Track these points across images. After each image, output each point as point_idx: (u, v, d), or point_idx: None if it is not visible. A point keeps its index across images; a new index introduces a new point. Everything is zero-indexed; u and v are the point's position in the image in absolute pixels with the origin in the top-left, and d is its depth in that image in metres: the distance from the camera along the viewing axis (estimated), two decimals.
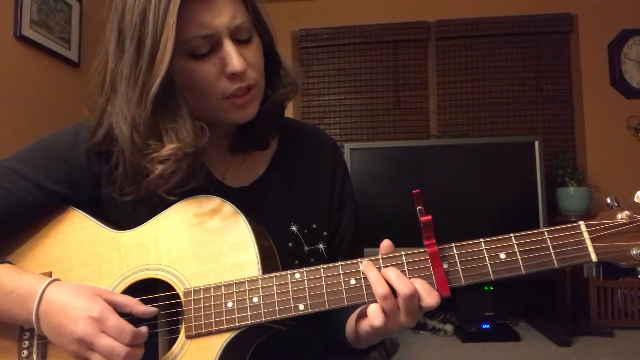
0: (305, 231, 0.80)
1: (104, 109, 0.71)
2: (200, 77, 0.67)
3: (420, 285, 0.60)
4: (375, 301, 0.61)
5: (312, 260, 0.79)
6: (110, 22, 0.68)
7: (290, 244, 0.78)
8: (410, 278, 0.60)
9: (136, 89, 0.65)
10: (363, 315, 0.68)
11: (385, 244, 0.64)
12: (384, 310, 0.60)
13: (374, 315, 0.60)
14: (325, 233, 0.82)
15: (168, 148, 0.65)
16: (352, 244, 0.86)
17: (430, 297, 0.59)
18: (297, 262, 0.77)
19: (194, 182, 0.69)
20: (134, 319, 0.62)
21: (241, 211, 0.68)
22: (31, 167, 0.72)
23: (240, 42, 0.68)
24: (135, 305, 0.64)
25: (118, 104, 0.67)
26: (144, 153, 0.67)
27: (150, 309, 0.64)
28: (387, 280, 0.60)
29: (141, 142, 0.66)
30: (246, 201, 0.72)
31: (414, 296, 0.59)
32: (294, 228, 0.79)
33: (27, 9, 2.06)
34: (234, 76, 0.67)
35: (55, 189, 0.72)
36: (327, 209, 0.84)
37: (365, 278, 0.62)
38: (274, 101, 0.77)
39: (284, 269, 0.66)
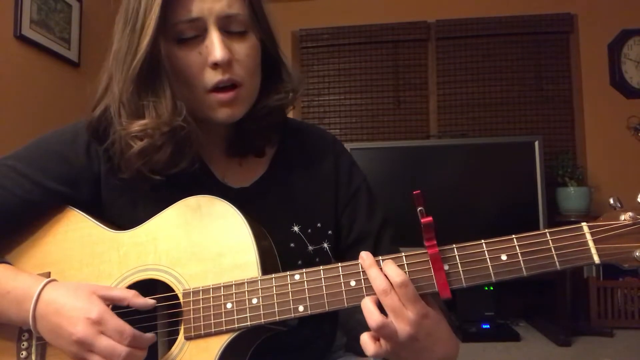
0: (309, 230, 0.79)
1: (105, 88, 0.72)
2: (185, 66, 0.67)
3: None
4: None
5: (317, 259, 0.78)
6: (120, 8, 0.69)
7: (292, 245, 0.78)
8: (411, 279, 0.59)
9: (124, 68, 0.66)
10: None
11: None
12: (389, 308, 0.58)
13: (365, 345, 0.58)
14: (330, 232, 0.81)
15: (139, 124, 0.66)
16: (379, 235, 0.80)
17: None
18: (300, 262, 0.77)
19: (183, 163, 0.69)
20: (134, 322, 0.62)
21: (241, 212, 0.68)
22: (31, 166, 0.71)
23: (231, 34, 0.67)
24: (132, 297, 0.63)
25: (114, 83, 0.68)
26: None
27: (148, 301, 0.64)
28: (385, 275, 0.59)
29: (126, 119, 0.67)
30: (246, 202, 0.72)
31: (407, 284, 0.57)
32: (295, 228, 0.78)
33: (27, 9, 2.05)
34: (216, 67, 0.66)
35: (55, 187, 0.72)
36: (332, 206, 0.82)
37: (365, 279, 0.61)
38: (268, 106, 0.75)
39: (287, 270, 0.65)
